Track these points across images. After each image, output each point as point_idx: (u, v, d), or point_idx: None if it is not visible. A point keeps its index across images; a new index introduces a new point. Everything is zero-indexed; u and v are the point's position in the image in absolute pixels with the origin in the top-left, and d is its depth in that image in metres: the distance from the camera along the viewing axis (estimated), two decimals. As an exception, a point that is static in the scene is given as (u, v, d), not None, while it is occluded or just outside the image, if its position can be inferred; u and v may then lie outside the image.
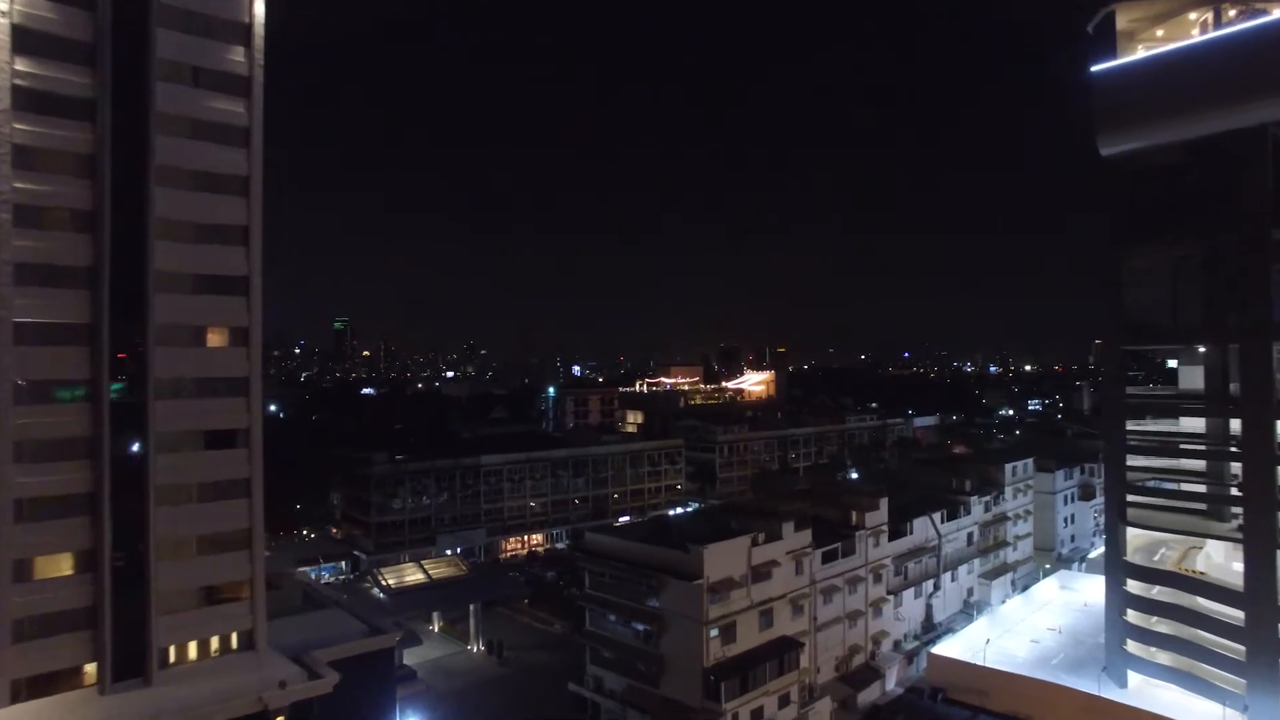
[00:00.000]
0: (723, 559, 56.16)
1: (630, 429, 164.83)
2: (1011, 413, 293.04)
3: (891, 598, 72.07)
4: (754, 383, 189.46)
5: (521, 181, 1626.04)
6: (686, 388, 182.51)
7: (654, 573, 55.93)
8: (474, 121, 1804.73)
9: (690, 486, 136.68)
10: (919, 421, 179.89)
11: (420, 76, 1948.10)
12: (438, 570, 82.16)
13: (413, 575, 79.97)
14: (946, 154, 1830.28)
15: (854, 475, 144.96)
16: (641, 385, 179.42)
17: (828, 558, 65.54)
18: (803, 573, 62.97)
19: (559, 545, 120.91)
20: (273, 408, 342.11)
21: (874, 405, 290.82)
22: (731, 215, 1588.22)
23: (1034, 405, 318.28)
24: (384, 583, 76.86)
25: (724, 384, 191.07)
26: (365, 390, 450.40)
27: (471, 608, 77.77)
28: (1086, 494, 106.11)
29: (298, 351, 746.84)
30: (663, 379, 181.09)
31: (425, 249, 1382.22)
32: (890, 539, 72.19)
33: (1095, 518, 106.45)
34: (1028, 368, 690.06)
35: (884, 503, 71.67)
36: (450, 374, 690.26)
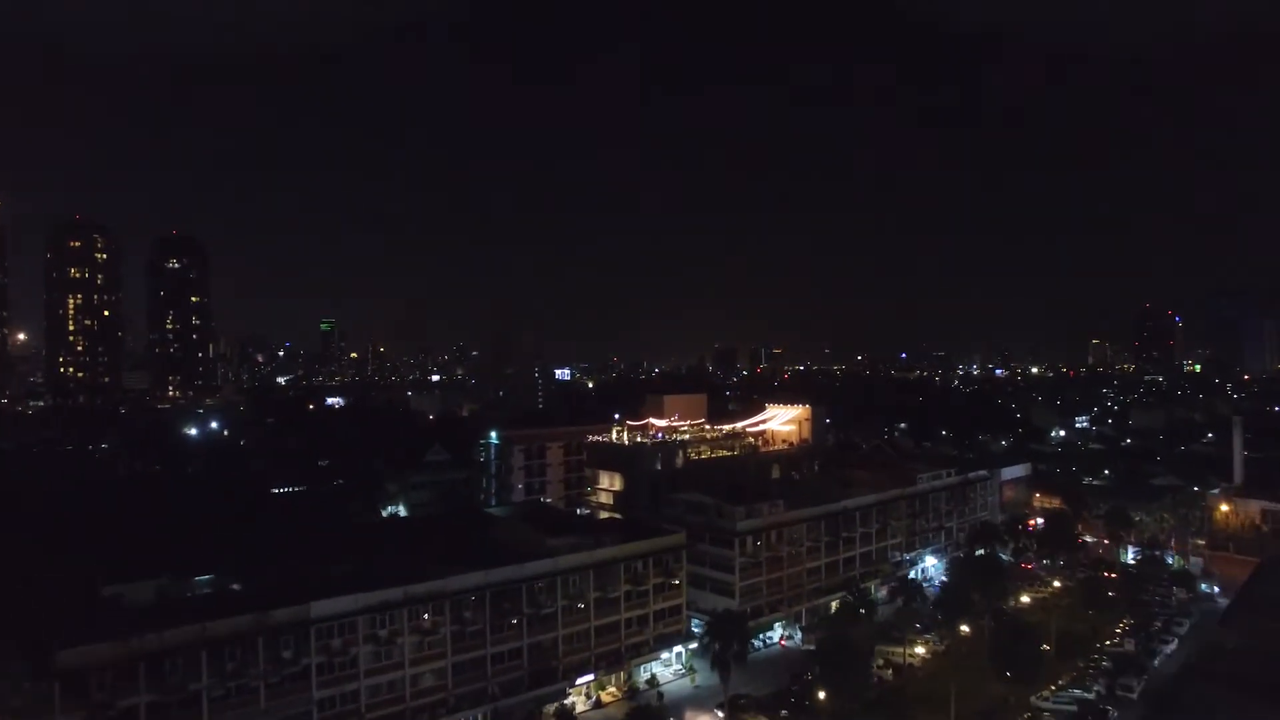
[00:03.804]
0: None
1: (604, 497, 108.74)
2: (1063, 433, 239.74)
3: None
4: (783, 422, 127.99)
5: (513, 177, 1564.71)
6: (687, 433, 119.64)
7: None
8: (470, 116, 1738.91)
9: (698, 601, 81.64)
10: (1006, 473, 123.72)
11: (418, 74, 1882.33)
12: None
13: None
14: (942, 153, 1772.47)
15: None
16: (621, 431, 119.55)
17: None
18: None
19: (467, 743, 65.32)
20: (214, 424, 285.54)
21: (902, 426, 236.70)
22: (728, 213, 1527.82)
23: (1081, 423, 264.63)
24: None
25: (739, 425, 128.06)
26: (331, 400, 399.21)
27: None
28: None
29: (281, 354, 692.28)
30: (651, 420, 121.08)
31: (424, 246, 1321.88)
32: None
33: None
34: (1034, 370, 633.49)
35: None
36: (436, 378, 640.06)
